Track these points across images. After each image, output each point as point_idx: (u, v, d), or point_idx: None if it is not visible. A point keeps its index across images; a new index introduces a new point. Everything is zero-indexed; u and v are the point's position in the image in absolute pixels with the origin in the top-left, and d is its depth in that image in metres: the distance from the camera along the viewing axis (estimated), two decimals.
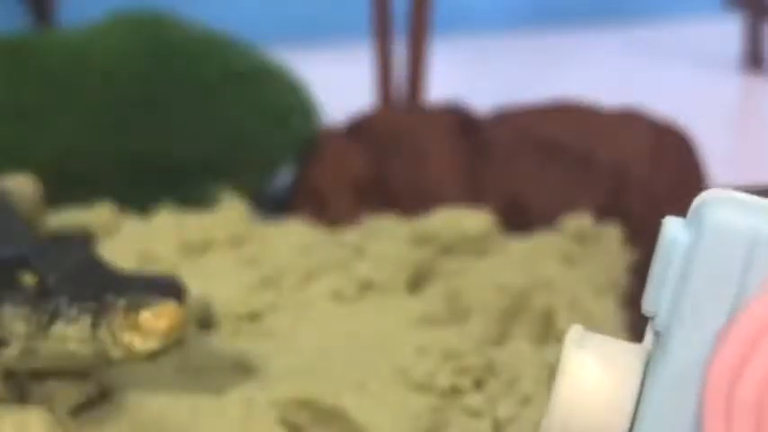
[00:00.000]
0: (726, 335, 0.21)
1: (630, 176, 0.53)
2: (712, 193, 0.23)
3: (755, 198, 0.22)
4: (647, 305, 0.22)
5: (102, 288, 0.35)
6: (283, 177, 0.60)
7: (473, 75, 0.86)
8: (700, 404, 0.21)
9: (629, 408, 0.22)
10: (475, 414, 0.37)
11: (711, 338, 0.21)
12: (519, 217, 0.53)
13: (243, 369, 0.40)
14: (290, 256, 0.48)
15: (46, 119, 0.54)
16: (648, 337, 0.23)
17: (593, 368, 0.22)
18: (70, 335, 0.34)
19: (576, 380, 0.22)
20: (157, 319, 0.33)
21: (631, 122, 0.55)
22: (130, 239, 0.49)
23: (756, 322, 0.21)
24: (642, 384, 0.22)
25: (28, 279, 0.35)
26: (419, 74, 0.63)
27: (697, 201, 0.23)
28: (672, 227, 0.22)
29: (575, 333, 0.23)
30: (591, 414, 0.22)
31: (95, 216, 0.50)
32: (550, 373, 0.38)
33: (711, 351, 0.21)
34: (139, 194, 0.54)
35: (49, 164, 0.53)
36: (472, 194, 0.54)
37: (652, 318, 0.22)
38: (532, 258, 0.48)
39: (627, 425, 0.22)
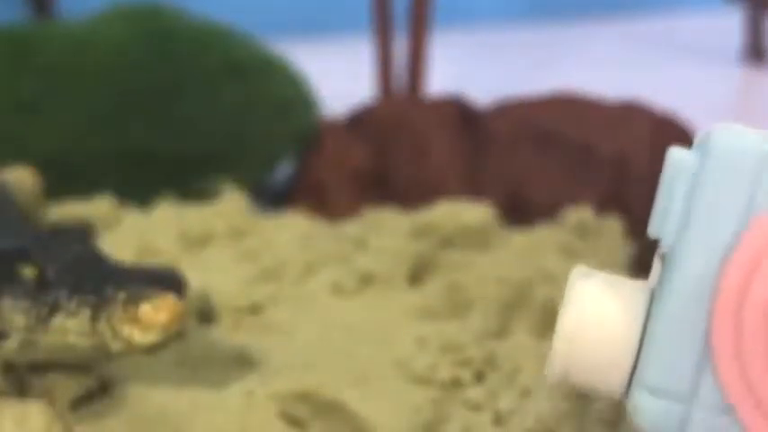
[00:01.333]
0: (736, 248, 0.21)
1: (631, 169, 0.53)
2: (717, 125, 0.23)
3: (760, 129, 0.23)
4: (654, 228, 0.22)
5: (102, 281, 0.35)
6: (283, 170, 0.60)
7: (473, 68, 0.86)
8: (709, 320, 0.21)
9: (636, 336, 0.22)
10: (475, 407, 0.37)
11: (720, 256, 0.21)
12: (519, 209, 0.53)
13: (243, 362, 0.40)
14: (290, 249, 0.48)
15: (45, 111, 0.54)
16: (654, 271, 0.23)
17: (599, 298, 0.22)
18: (70, 328, 0.34)
19: (581, 310, 0.22)
20: (157, 312, 0.33)
21: (632, 115, 0.55)
22: (130, 232, 0.49)
23: (766, 235, 0.21)
24: (648, 316, 0.22)
25: (27, 272, 0.35)
26: (419, 66, 0.63)
27: (703, 132, 0.23)
28: (678, 152, 0.22)
29: (580, 269, 0.23)
30: (596, 342, 0.22)
31: (95, 209, 0.50)
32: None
33: (721, 265, 0.21)
34: (139, 187, 0.54)
35: (48, 156, 0.53)
36: (473, 187, 0.54)
37: (658, 241, 0.22)
38: (533, 251, 0.48)
39: (634, 352, 0.22)
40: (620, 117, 0.55)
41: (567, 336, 0.22)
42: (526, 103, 0.56)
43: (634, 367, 0.22)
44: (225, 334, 0.42)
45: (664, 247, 0.22)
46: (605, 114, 0.55)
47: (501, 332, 0.42)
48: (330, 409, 0.37)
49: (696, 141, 0.23)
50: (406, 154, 0.56)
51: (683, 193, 0.22)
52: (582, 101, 0.56)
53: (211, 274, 0.45)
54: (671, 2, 1.04)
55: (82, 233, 0.40)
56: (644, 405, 0.22)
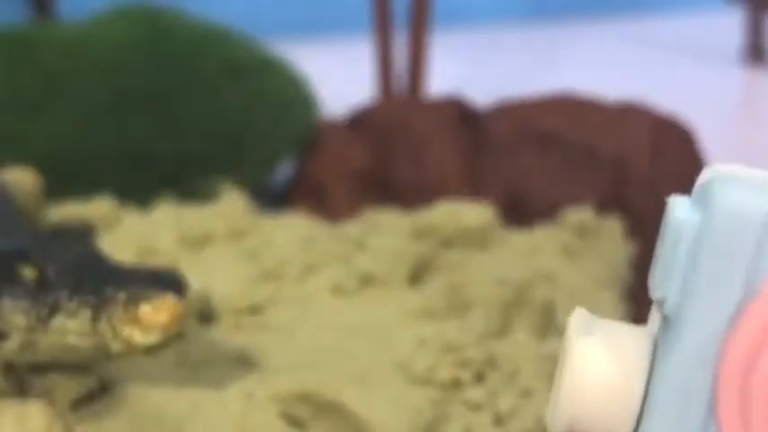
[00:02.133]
0: (740, 320, 0.20)
1: (631, 169, 0.53)
2: (717, 170, 0.22)
3: (761, 173, 0.22)
4: (656, 289, 0.21)
5: (102, 281, 0.35)
6: (284, 170, 0.60)
7: (473, 68, 0.86)
8: (713, 389, 0.21)
9: (639, 396, 0.22)
10: (475, 407, 0.37)
11: (724, 321, 0.21)
12: (519, 210, 0.53)
13: (243, 363, 0.40)
14: (290, 250, 0.48)
15: (46, 112, 0.54)
16: (653, 321, 0.23)
17: (601, 358, 0.22)
18: (70, 328, 0.34)
19: (582, 370, 0.22)
20: (157, 312, 0.33)
21: (632, 116, 0.55)
22: (130, 233, 0.49)
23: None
24: (651, 371, 0.22)
25: (28, 272, 0.35)
26: (420, 67, 0.63)
27: (702, 178, 0.22)
28: (679, 207, 0.21)
29: (579, 318, 0.23)
30: (600, 405, 0.22)
31: (95, 209, 0.50)
32: (551, 365, 0.38)
33: (725, 335, 0.20)
34: (139, 188, 0.54)
35: (48, 157, 0.53)
36: (473, 187, 0.54)
37: (660, 302, 0.22)
38: (533, 251, 0.48)
39: (636, 413, 0.22)
40: (620, 118, 0.55)
41: (570, 394, 0.22)
42: (526, 103, 0.56)
43: (638, 422, 0.22)
44: (225, 334, 0.42)
45: (666, 307, 0.21)
46: (605, 115, 0.55)
47: (501, 332, 0.42)
48: (330, 409, 0.37)
49: (697, 189, 0.22)
50: (406, 155, 0.56)
51: (686, 254, 0.21)
52: (582, 101, 0.56)
53: (211, 275, 0.45)
54: (671, 2, 1.04)
55: (82, 233, 0.40)
56: None
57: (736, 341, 0.20)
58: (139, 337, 0.33)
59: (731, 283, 0.20)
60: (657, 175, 0.53)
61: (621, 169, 0.53)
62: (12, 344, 0.35)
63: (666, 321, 0.22)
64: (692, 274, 0.21)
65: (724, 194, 0.20)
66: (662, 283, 0.21)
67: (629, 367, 0.22)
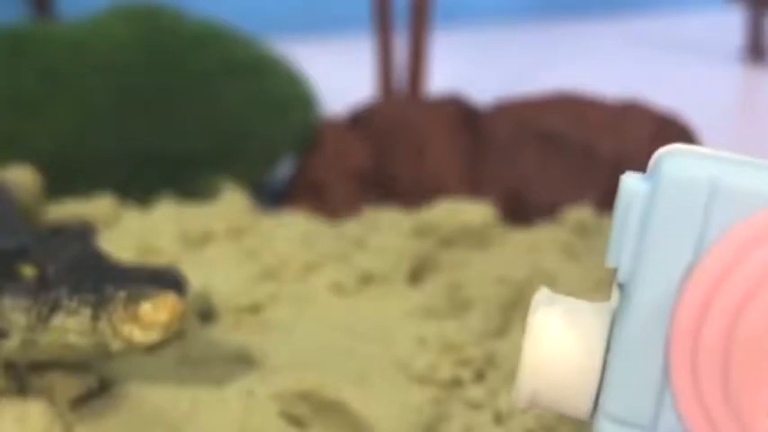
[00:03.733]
0: (689, 279, 0.21)
1: (632, 168, 0.53)
2: (669, 147, 0.22)
3: (712, 150, 0.22)
4: (610, 259, 0.22)
5: (102, 280, 0.35)
6: (283, 169, 0.60)
7: (474, 67, 0.86)
8: (666, 350, 0.21)
9: (598, 363, 0.22)
10: (476, 406, 0.37)
11: (674, 285, 0.21)
12: (520, 209, 0.52)
13: (243, 361, 0.40)
14: (290, 248, 0.48)
15: (46, 110, 0.54)
16: (614, 295, 0.23)
17: (559, 327, 0.22)
18: (70, 326, 0.34)
19: (542, 340, 0.22)
20: (157, 310, 0.33)
21: (633, 114, 0.55)
22: (130, 231, 0.49)
23: (719, 266, 0.20)
24: (609, 340, 0.22)
25: (28, 271, 0.35)
26: (420, 65, 0.63)
27: (655, 156, 0.23)
28: (630, 180, 0.22)
29: (541, 295, 0.23)
30: (559, 372, 0.22)
31: (95, 208, 0.50)
32: None
33: (675, 297, 0.21)
34: (139, 186, 0.54)
35: (48, 155, 0.53)
36: (473, 186, 0.54)
37: (614, 271, 0.22)
38: (533, 250, 0.48)
39: (597, 380, 0.22)
40: (620, 116, 0.55)
41: (530, 367, 0.22)
42: (526, 102, 0.56)
43: (599, 393, 0.22)
44: (225, 333, 0.42)
45: (620, 275, 0.22)
46: (606, 114, 0.55)
47: (501, 332, 0.42)
48: (330, 408, 0.37)
49: (649, 166, 0.22)
50: (407, 153, 0.56)
51: (636, 223, 0.21)
52: (582, 100, 0.56)
53: (212, 274, 0.45)
54: (672, 1, 1.04)
55: (82, 232, 0.39)
56: None
57: (684, 305, 0.21)
58: (140, 336, 0.33)
59: (680, 248, 0.21)
60: None
61: (622, 168, 0.53)
62: (12, 342, 0.35)
63: (622, 290, 0.22)
64: (643, 240, 0.21)
65: (670, 164, 0.21)
66: (615, 251, 0.22)
67: (587, 339, 0.22)
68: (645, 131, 0.54)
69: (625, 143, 0.54)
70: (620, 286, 0.22)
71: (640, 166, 0.53)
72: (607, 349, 0.22)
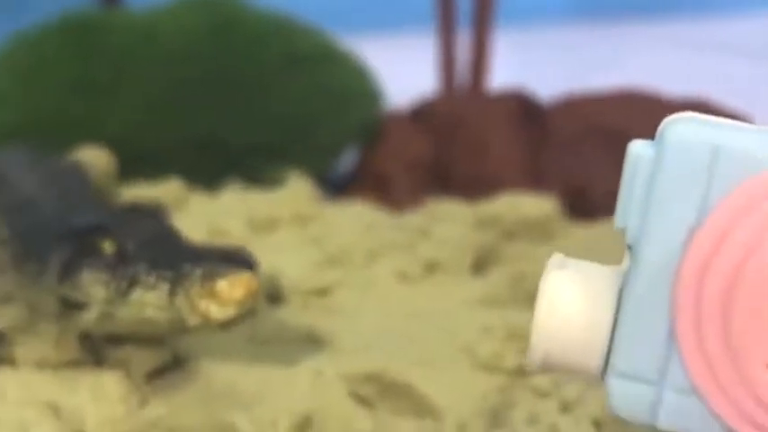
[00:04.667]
0: (694, 236, 0.21)
1: None
2: (675, 115, 0.23)
3: (715, 118, 0.23)
4: (618, 220, 0.23)
5: (179, 257, 0.35)
6: (346, 161, 0.61)
7: (534, 66, 0.86)
8: (671, 305, 0.22)
9: (608, 322, 0.23)
10: (542, 394, 0.37)
11: (679, 244, 0.22)
12: (581, 204, 0.53)
13: (311, 342, 0.40)
14: (354, 236, 0.48)
15: (117, 95, 0.55)
16: (625, 258, 0.24)
17: (570, 288, 0.23)
18: (148, 301, 0.35)
19: (553, 301, 0.23)
20: (233, 287, 0.34)
21: (696, 112, 0.55)
22: (199, 215, 0.50)
23: (722, 223, 0.21)
24: (619, 300, 0.23)
25: (107, 246, 0.36)
26: (482, 62, 0.64)
27: (662, 123, 0.23)
28: (637, 145, 0.23)
29: (555, 258, 0.24)
30: (571, 333, 0.23)
31: (164, 191, 0.51)
32: None
33: (680, 254, 0.22)
34: (205, 173, 0.55)
35: (119, 139, 0.54)
36: (533, 181, 0.54)
37: (622, 231, 0.23)
38: (595, 245, 0.48)
39: (607, 338, 0.23)
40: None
41: (542, 328, 0.23)
42: (590, 98, 0.57)
43: (609, 352, 0.23)
44: (293, 315, 0.42)
45: (628, 238, 0.23)
46: (669, 111, 0.55)
47: None
48: (397, 389, 0.37)
49: (657, 133, 0.23)
50: (468, 147, 0.57)
51: (642, 186, 0.22)
52: (647, 97, 0.56)
53: (278, 258, 0.46)
54: (727, 4, 1.04)
55: (158, 211, 0.40)
56: (616, 389, 0.23)
57: (688, 261, 0.21)
58: (216, 312, 0.34)
59: (684, 208, 0.22)
60: None
61: None
62: (90, 315, 0.36)
63: (630, 252, 0.23)
64: (649, 202, 0.22)
65: (675, 129, 0.22)
66: (622, 213, 0.23)
67: (598, 299, 0.23)
68: None
69: None
70: (629, 247, 0.23)
71: None
72: (617, 309, 0.23)
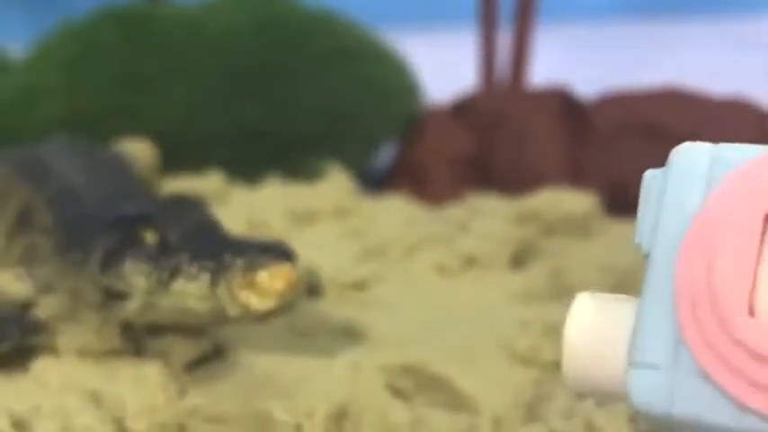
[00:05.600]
0: (688, 237, 0.23)
1: None
2: (684, 144, 0.25)
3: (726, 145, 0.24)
4: (636, 238, 0.25)
5: (221, 248, 0.36)
6: (385, 155, 0.61)
7: (575, 64, 0.86)
8: (673, 288, 0.23)
9: (627, 335, 0.24)
10: None
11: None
12: (622, 201, 0.53)
13: (349, 334, 0.41)
14: (394, 230, 0.48)
15: (160, 88, 0.55)
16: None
17: (596, 310, 0.25)
18: (189, 291, 0.35)
19: (578, 322, 0.25)
20: (274, 279, 0.34)
21: (738, 110, 0.55)
22: (240, 207, 0.50)
23: (709, 221, 0.22)
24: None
25: (150, 236, 0.37)
26: (523, 59, 0.64)
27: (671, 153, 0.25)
28: (650, 174, 0.25)
29: (583, 293, 0.26)
30: (597, 351, 0.24)
31: (206, 184, 0.52)
32: None
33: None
34: (247, 166, 0.56)
35: (162, 132, 0.54)
36: (574, 176, 0.54)
37: (639, 248, 0.25)
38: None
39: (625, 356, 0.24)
40: (725, 112, 0.55)
41: (570, 350, 0.25)
42: (631, 95, 0.56)
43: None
44: (331, 307, 0.43)
45: (644, 249, 0.24)
46: (711, 109, 0.55)
47: None
48: (434, 382, 0.37)
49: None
50: (508, 142, 0.57)
51: (654, 203, 0.24)
52: (688, 95, 0.56)
53: (317, 251, 0.46)
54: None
55: (200, 203, 0.41)
56: (634, 380, 0.23)
57: (682, 258, 0.23)
58: (256, 303, 0.34)
59: (688, 210, 0.23)
60: None
61: None
62: (132, 305, 0.36)
63: (647, 262, 0.24)
64: (659, 214, 0.24)
65: (682, 152, 0.24)
66: (638, 232, 0.25)
67: (621, 317, 0.24)
68: (750, 128, 0.54)
69: (729, 138, 0.53)
70: (646, 258, 0.24)
71: None
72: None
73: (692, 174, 0.23)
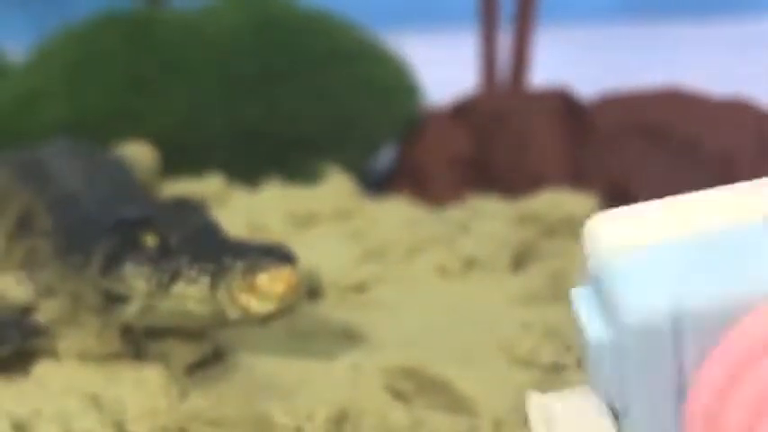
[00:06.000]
0: (683, 414, 0.20)
1: (736, 165, 0.53)
2: (596, 224, 0.21)
3: (647, 214, 0.21)
4: (597, 391, 0.21)
5: (220, 251, 0.36)
6: (385, 157, 0.61)
7: (575, 65, 0.86)
8: None
9: None
10: None
11: (669, 417, 0.20)
12: (623, 202, 0.52)
13: (350, 337, 0.41)
14: (394, 231, 0.48)
15: (161, 92, 0.55)
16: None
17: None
18: (189, 294, 0.35)
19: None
20: (274, 282, 0.34)
21: (739, 111, 0.55)
22: (239, 210, 0.50)
23: (718, 384, 0.20)
24: None
25: (150, 240, 0.37)
26: (524, 60, 0.64)
27: (594, 254, 0.21)
28: (591, 329, 0.21)
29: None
30: None
31: (206, 186, 0.52)
32: None
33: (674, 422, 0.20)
34: (246, 168, 0.56)
35: (162, 135, 0.54)
36: (575, 178, 0.54)
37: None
38: None
39: None
40: (726, 113, 0.55)
41: None
42: (632, 96, 0.56)
43: None
44: (331, 310, 0.43)
45: (615, 408, 0.22)
46: (712, 110, 0.55)
47: None
48: (434, 385, 0.37)
49: (594, 274, 0.21)
50: (509, 143, 0.57)
51: (611, 371, 0.21)
52: (689, 96, 0.56)
53: (317, 253, 0.46)
54: None
55: (200, 206, 0.41)
56: None
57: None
58: (256, 306, 0.34)
59: (664, 386, 0.20)
60: (763, 171, 0.53)
61: (726, 164, 0.53)
62: (133, 308, 0.36)
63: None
64: (624, 384, 0.21)
65: (628, 304, 0.20)
66: (601, 389, 0.21)
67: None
68: (750, 128, 0.54)
69: (730, 139, 0.53)
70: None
71: (745, 163, 0.53)
72: None
73: (654, 342, 0.20)
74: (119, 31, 0.57)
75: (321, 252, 0.46)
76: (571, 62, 0.86)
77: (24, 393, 0.37)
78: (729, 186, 0.22)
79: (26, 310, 0.39)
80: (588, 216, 0.49)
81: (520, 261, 0.47)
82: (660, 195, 0.52)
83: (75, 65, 0.57)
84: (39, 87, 0.57)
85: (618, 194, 0.53)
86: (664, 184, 0.53)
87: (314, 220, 0.50)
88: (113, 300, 0.36)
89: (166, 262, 0.36)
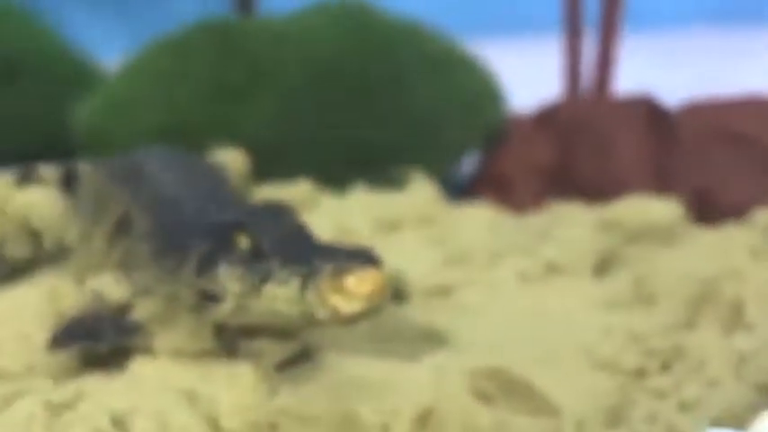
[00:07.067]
0: None
1: None
2: None
3: None
4: None
5: (310, 253, 0.37)
6: (469, 163, 0.62)
7: (662, 71, 0.86)
8: None
9: None
10: (661, 395, 0.38)
11: None
12: (707, 209, 0.53)
13: (434, 339, 0.41)
14: (477, 237, 0.49)
15: (251, 99, 0.57)
16: None
17: None
18: (280, 295, 0.36)
19: None
20: (361, 283, 0.35)
21: None
22: (327, 214, 0.51)
23: None
24: None
25: (243, 242, 0.38)
26: (608, 67, 0.64)
27: None
28: None
29: None
30: None
31: (295, 191, 0.53)
32: (739, 359, 0.38)
33: None
34: (334, 173, 0.57)
35: (252, 141, 0.56)
36: (659, 185, 0.54)
37: None
38: (721, 250, 0.48)
39: None
40: None
41: None
42: (717, 104, 0.56)
43: None
44: (416, 313, 0.44)
45: None
46: None
47: (687, 325, 0.42)
48: (517, 387, 0.38)
49: None
50: (593, 151, 0.57)
51: None
52: None
53: (403, 257, 0.47)
54: None
55: (290, 210, 0.42)
56: None
57: None
58: (344, 307, 0.35)
59: None
60: None
61: None
62: (226, 307, 0.37)
63: None
64: None
65: None
66: None
67: None
68: None
69: None
70: None
71: None
72: None
73: None
74: (211, 40, 0.59)
75: (405, 256, 0.47)
76: (656, 69, 0.86)
77: (122, 389, 0.38)
78: None
79: (123, 309, 0.40)
80: (672, 222, 0.50)
81: (603, 267, 0.47)
82: (745, 203, 0.52)
83: (168, 73, 0.58)
84: (133, 96, 0.58)
85: (703, 202, 0.53)
86: (748, 191, 0.52)
87: (399, 225, 0.51)
88: (207, 300, 0.38)
89: (258, 264, 0.37)
